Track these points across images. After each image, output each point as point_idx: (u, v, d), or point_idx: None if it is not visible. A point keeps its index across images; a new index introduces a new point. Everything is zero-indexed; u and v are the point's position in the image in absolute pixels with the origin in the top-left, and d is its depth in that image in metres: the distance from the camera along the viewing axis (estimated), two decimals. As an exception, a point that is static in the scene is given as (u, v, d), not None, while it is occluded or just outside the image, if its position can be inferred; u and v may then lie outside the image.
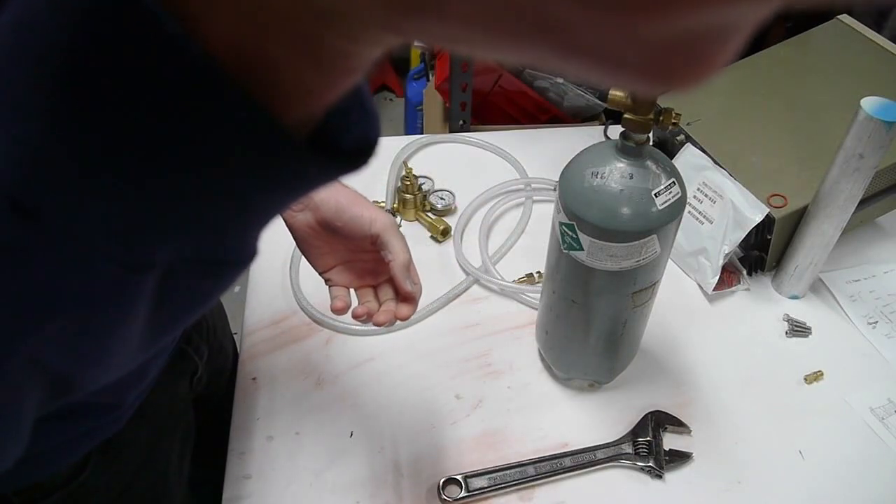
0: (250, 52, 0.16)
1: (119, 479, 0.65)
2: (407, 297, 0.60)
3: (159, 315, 0.22)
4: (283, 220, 0.59)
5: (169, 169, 0.17)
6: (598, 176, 0.58)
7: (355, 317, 0.60)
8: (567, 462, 0.68)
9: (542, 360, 0.78)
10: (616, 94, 0.56)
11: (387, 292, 0.62)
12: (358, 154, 0.20)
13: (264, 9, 0.15)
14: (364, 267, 0.62)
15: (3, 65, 0.16)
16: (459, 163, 1.05)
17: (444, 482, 0.66)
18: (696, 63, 0.15)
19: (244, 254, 0.22)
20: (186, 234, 0.19)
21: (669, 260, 0.68)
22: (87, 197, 0.17)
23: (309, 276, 0.87)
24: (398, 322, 0.80)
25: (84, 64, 0.15)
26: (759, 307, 0.86)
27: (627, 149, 0.57)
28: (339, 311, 0.60)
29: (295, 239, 0.61)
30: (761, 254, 0.86)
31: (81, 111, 0.16)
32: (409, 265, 0.59)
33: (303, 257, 0.88)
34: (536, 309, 0.77)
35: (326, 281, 0.62)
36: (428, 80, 1.80)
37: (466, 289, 0.86)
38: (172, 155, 0.17)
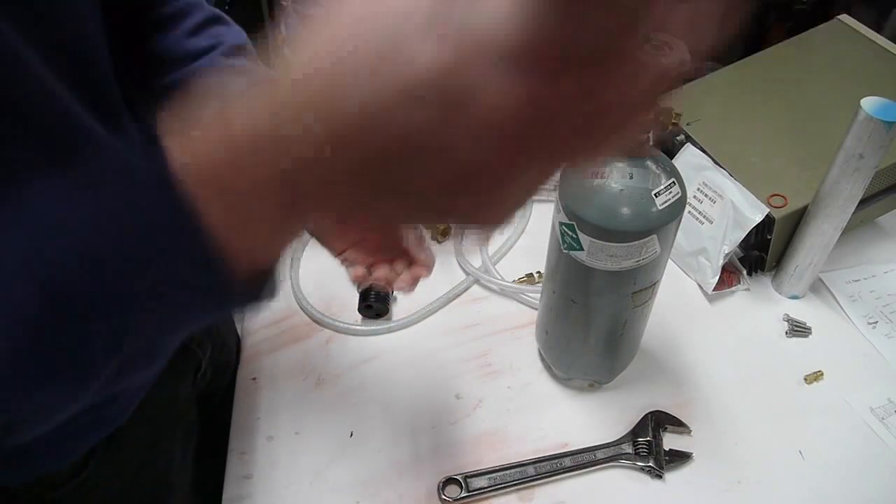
0: (250, 263, 0.27)
1: (122, 475, 0.65)
2: (422, 265, 0.62)
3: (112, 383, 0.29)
4: None
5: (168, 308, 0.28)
6: (598, 176, 0.58)
7: (376, 280, 0.61)
8: (567, 462, 0.68)
9: (542, 360, 0.78)
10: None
11: (401, 265, 0.63)
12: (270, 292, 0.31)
13: (272, 250, 0.29)
14: (376, 244, 0.62)
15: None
16: (459, 163, 1.05)
17: (444, 482, 0.66)
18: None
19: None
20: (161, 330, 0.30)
21: (669, 260, 0.68)
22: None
23: (309, 276, 0.87)
24: (400, 319, 0.80)
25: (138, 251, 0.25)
26: (759, 307, 0.86)
27: (627, 149, 0.57)
28: (359, 279, 0.61)
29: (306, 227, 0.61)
30: (761, 254, 0.86)
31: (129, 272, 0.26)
32: (421, 237, 0.59)
33: (302, 256, 0.89)
34: (536, 309, 0.77)
35: (342, 262, 0.62)
36: (428, 80, 1.80)
37: (466, 289, 0.86)
38: (176, 301, 0.27)
